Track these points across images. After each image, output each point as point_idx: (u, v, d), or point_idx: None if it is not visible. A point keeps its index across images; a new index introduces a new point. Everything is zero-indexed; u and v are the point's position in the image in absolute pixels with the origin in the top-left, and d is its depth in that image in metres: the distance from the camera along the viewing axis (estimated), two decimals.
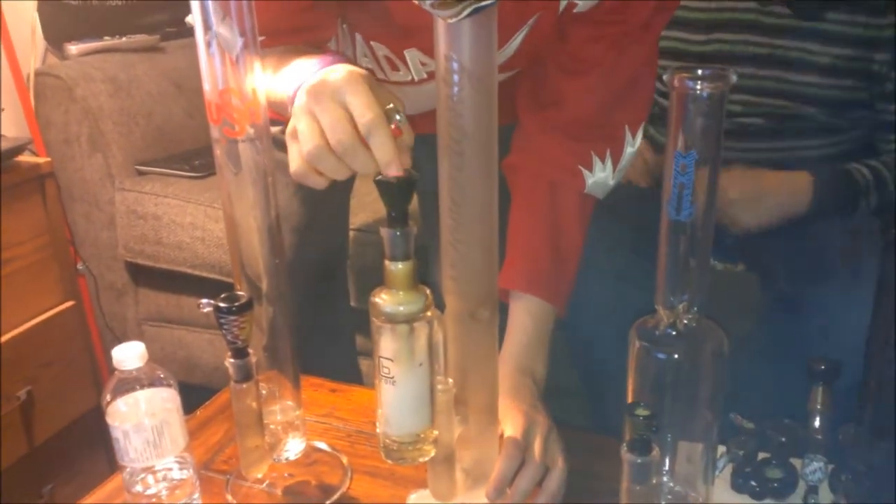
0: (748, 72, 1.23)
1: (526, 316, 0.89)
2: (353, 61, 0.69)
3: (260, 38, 0.80)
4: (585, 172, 0.92)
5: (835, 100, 1.20)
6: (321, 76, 0.65)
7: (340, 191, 1.21)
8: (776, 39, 1.21)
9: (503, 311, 0.89)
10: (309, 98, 0.64)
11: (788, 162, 1.23)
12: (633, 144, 0.93)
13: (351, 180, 1.12)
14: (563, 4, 0.84)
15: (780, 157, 1.24)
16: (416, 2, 0.53)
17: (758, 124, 1.24)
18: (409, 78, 0.91)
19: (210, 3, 0.61)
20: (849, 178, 1.18)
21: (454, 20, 0.54)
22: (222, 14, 0.62)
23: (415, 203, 1.26)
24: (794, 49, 1.20)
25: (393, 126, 0.62)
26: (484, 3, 0.53)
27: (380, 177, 0.59)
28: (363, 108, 0.61)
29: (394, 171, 0.59)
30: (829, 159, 1.23)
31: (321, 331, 1.24)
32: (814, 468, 0.71)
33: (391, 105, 0.63)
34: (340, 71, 0.65)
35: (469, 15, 0.53)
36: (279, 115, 0.73)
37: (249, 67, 0.64)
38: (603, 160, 0.92)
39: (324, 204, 1.14)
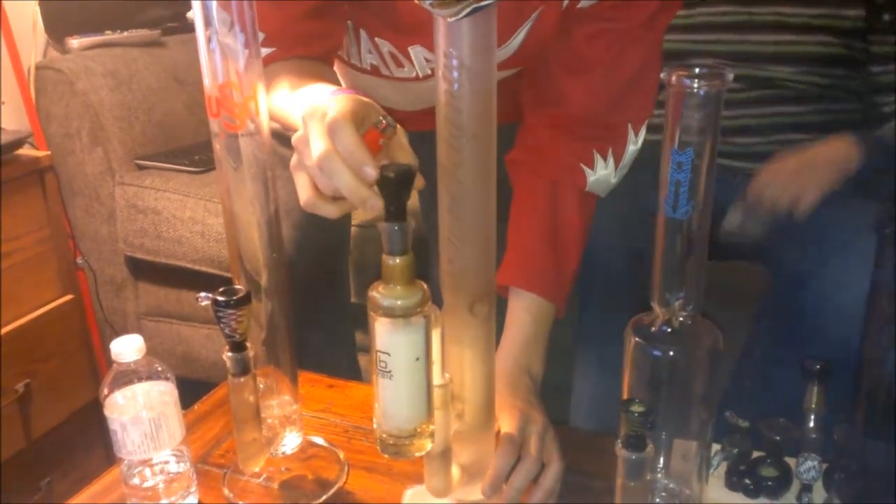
0: (725, 38, 1.27)
1: (524, 314, 0.89)
2: (360, 90, 0.69)
3: (270, 50, 0.81)
4: (587, 170, 0.92)
5: (811, 56, 1.24)
6: (315, 101, 0.65)
7: None
8: (752, 7, 1.26)
9: (501, 306, 0.89)
10: (304, 124, 0.64)
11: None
12: (636, 143, 0.93)
13: None
14: (566, 2, 0.84)
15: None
16: (417, 0, 0.54)
17: (738, 91, 1.26)
18: (414, 74, 0.91)
19: (211, 1, 0.62)
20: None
21: (454, 19, 0.54)
22: (229, 21, 0.62)
23: (416, 199, 1.28)
24: (769, 14, 1.25)
25: (383, 126, 0.62)
26: (483, 3, 0.53)
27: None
28: (331, 114, 0.61)
29: (366, 170, 0.59)
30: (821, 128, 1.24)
31: (321, 326, 1.25)
32: (808, 467, 0.71)
33: (380, 117, 0.63)
34: (328, 93, 0.65)
35: (468, 14, 0.53)
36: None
37: (250, 62, 0.64)
38: (605, 158, 0.92)
39: None
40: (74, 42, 1.74)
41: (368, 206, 0.60)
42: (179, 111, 1.82)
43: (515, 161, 0.95)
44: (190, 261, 1.61)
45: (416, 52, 0.88)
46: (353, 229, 1.44)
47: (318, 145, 0.61)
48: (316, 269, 1.18)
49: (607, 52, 0.88)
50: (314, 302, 1.19)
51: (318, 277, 1.20)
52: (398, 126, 0.64)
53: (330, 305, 1.27)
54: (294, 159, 0.65)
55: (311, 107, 0.63)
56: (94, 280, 1.76)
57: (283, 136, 0.77)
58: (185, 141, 1.81)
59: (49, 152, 1.58)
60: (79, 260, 1.74)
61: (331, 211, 0.65)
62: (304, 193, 0.65)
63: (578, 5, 0.84)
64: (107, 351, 0.71)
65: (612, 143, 0.92)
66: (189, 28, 1.98)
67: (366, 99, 0.65)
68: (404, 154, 0.66)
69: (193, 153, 1.73)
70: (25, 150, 1.52)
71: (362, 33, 0.90)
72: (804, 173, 1.14)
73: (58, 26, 1.77)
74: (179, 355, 1.73)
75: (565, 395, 1.13)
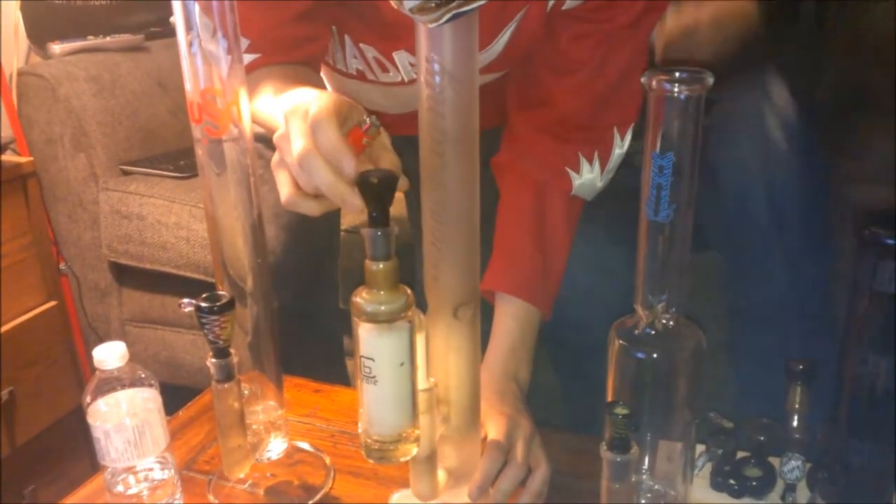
0: None
1: (511, 320, 0.89)
2: (345, 95, 0.70)
3: (255, 56, 0.81)
4: (572, 174, 0.92)
5: None
6: (297, 100, 0.65)
7: None
8: None
9: (487, 310, 0.89)
10: (285, 121, 0.64)
11: None
12: (622, 146, 0.93)
13: None
14: (550, 4, 0.84)
15: None
16: (395, 6, 0.54)
17: None
18: (399, 79, 0.91)
19: (194, 5, 0.61)
20: None
21: (434, 25, 0.54)
22: (212, 28, 0.62)
23: (403, 207, 1.27)
24: None
25: (366, 126, 0.62)
26: (464, 9, 0.53)
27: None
28: (311, 113, 0.61)
29: (346, 166, 0.59)
30: None
31: (309, 331, 1.24)
32: (791, 467, 0.72)
33: (364, 117, 0.63)
34: (312, 92, 0.65)
35: (449, 20, 0.54)
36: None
37: (232, 67, 0.64)
38: (591, 161, 0.92)
39: None
40: (57, 47, 1.73)
41: (348, 205, 0.60)
42: (163, 116, 1.81)
43: (501, 164, 0.95)
44: (175, 266, 1.61)
45: (401, 57, 0.88)
46: (341, 234, 1.43)
47: (298, 142, 0.61)
48: (305, 271, 1.17)
49: (593, 53, 0.88)
50: (303, 305, 1.19)
51: (307, 280, 1.19)
52: (381, 128, 0.64)
53: (319, 309, 1.27)
54: (275, 157, 0.65)
55: (292, 105, 0.63)
56: (77, 286, 1.74)
57: (268, 140, 0.77)
58: (170, 146, 1.80)
59: (31, 158, 1.57)
60: (62, 266, 1.73)
61: (312, 208, 0.65)
62: (285, 190, 0.65)
63: (563, 6, 0.85)
64: (91, 357, 0.70)
65: (598, 147, 0.92)
66: (172, 33, 1.96)
67: (347, 99, 0.65)
68: (387, 155, 0.66)
69: (178, 159, 1.72)
70: (8, 157, 1.51)
71: (347, 39, 0.90)
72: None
73: (40, 31, 1.76)
74: (164, 361, 1.72)
75: (575, 401, 1.13)
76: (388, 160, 0.66)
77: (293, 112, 0.63)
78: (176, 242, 1.59)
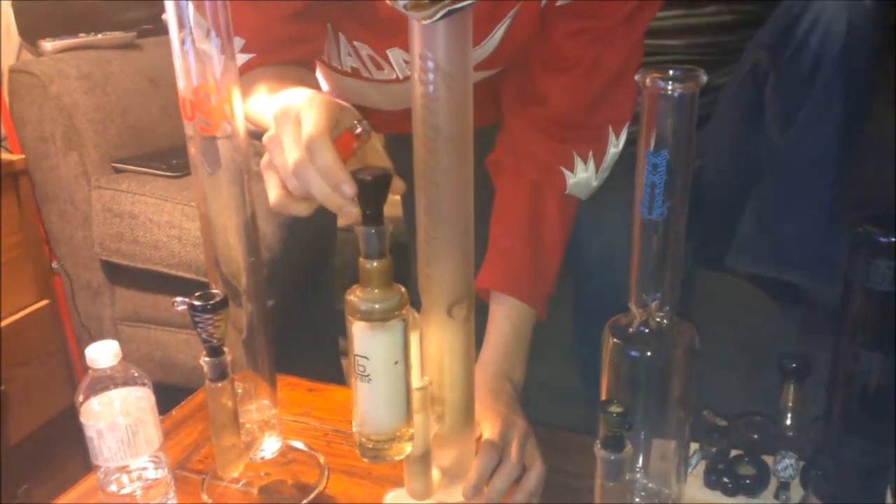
0: None
1: (505, 321, 0.89)
2: (340, 95, 0.69)
3: (251, 56, 0.81)
4: (567, 173, 0.92)
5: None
6: (286, 101, 0.64)
7: None
8: None
9: (481, 309, 0.89)
10: (275, 123, 0.63)
11: None
12: (617, 145, 0.93)
13: None
14: (544, 0, 0.84)
15: None
16: (390, 2, 0.54)
17: None
18: (394, 76, 0.91)
19: (187, 3, 0.61)
20: None
21: (428, 21, 0.54)
22: (205, 27, 0.62)
23: (399, 207, 1.27)
24: None
25: (358, 131, 0.62)
26: (458, 6, 0.53)
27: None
28: (308, 127, 0.61)
29: (346, 191, 0.59)
30: None
31: (305, 329, 1.24)
32: (785, 465, 0.72)
33: (354, 122, 0.63)
34: (302, 94, 0.65)
35: (443, 17, 0.53)
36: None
37: (225, 65, 0.64)
38: (585, 161, 0.92)
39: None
40: (48, 44, 1.72)
41: (344, 214, 0.60)
42: (155, 114, 1.80)
43: (496, 163, 0.95)
44: (167, 265, 1.60)
45: (395, 54, 0.88)
46: (338, 233, 1.43)
47: (292, 153, 0.60)
48: (301, 269, 1.17)
49: (587, 50, 0.88)
50: (298, 304, 1.19)
51: (304, 277, 1.19)
52: (372, 132, 0.64)
53: (315, 306, 1.27)
54: (265, 158, 0.65)
55: (282, 107, 0.63)
56: (69, 285, 1.74)
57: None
58: (162, 144, 1.79)
59: (23, 156, 1.56)
60: (54, 265, 1.72)
61: (301, 209, 0.65)
62: (274, 193, 0.65)
63: (557, 3, 0.84)
64: (83, 356, 0.70)
65: (593, 145, 0.92)
66: (164, 30, 1.94)
67: (341, 102, 0.64)
68: (379, 158, 0.66)
69: (171, 157, 1.71)
70: None
71: (341, 37, 0.90)
72: None
73: (31, 28, 1.74)
74: (157, 360, 1.72)
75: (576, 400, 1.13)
76: (380, 163, 0.65)
77: (283, 115, 0.62)
78: (168, 241, 1.58)
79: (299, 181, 0.61)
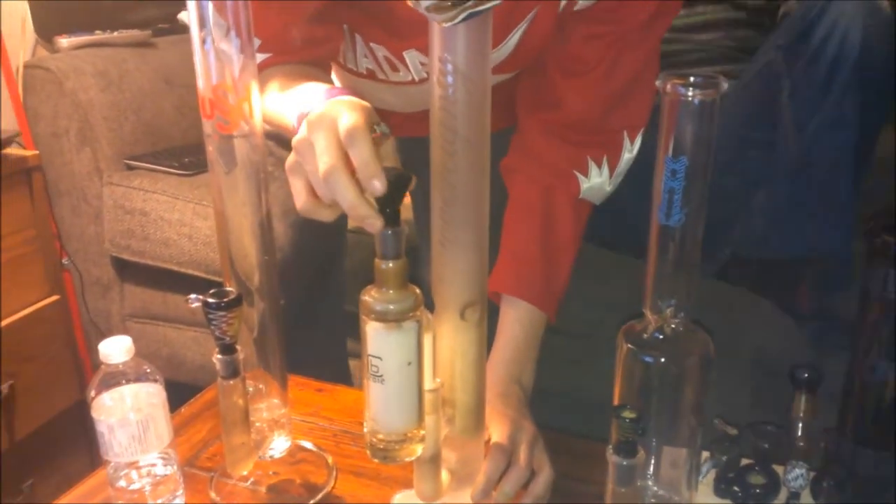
0: None
1: (516, 325, 0.89)
2: (355, 92, 0.68)
3: (267, 55, 0.81)
4: (581, 177, 0.92)
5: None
6: (322, 108, 0.63)
7: None
8: None
9: (493, 311, 0.89)
10: (309, 129, 0.62)
11: None
12: (632, 150, 0.93)
13: None
14: (563, 3, 0.84)
15: None
16: (411, 4, 0.54)
17: None
18: (410, 78, 0.91)
19: (208, 3, 0.61)
20: None
21: (449, 24, 0.54)
22: (225, 27, 0.62)
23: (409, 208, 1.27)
24: None
25: (376, 135, 0.62)
26: (479, 8, 0.53)
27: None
28: (348, 121, 0.60)
29: (377, 185, 0.58)
30: None
31: (314, 330, 1.24)
32: (796, 474, 0.72)
33: (374, 124, 0.62)
34: (342, 102, 0.64)
35: (464, 20, 0.54)
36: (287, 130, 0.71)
37: (244, 64, 0.64)
38: (599, 166, 0.92)
39: None
40: (64, 41, 1.73)
41: (367, 225, 0.59)
42: (169, 112, 1.81)
43: (510, 167, 0.95)
44: (176, 263, 1.60)
45: (411, 56, 0.88)
46: (349, 235, 1.43)
47: (325, 158, 0.59)
48: (312, 269, 1.17)
49: (605, 55, 0.88)
50: (309, 303, 1.19)
51: (315, 278, 1.19)
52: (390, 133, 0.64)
53: (325, 308, 1.27)
54: (291, 160, 0.64)
55: (318, 114, 0.62)
56: (80, 281, 1.74)
57: (279, 138, 0.76)
58: (175, 142, 1.80)
59: (37, 152, 1.57)
60: (65, 260, 1.73)
61: (327, 214, 0.65)
62: (301, 198, 0.64)
63: (575, 7, 0.84)
64: (92, 352, 0.70)
65: (608, 151, 0.92)
66: (180, 30, 1.96)
67: (365, 103, 0.64)
68: (389, 160, 0.66)
69: (183, 155, 1.72)
70: (13, 150, 1.51)
71: (358, 38, 0.90)
72: None
73: (47, 25, 1.75)
74: (165, 358, 1.72)
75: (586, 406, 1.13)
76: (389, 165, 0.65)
77: (319, 122, 0.61)
78: (178, 239, 1.59)
79: (328, 188, 0.60)
